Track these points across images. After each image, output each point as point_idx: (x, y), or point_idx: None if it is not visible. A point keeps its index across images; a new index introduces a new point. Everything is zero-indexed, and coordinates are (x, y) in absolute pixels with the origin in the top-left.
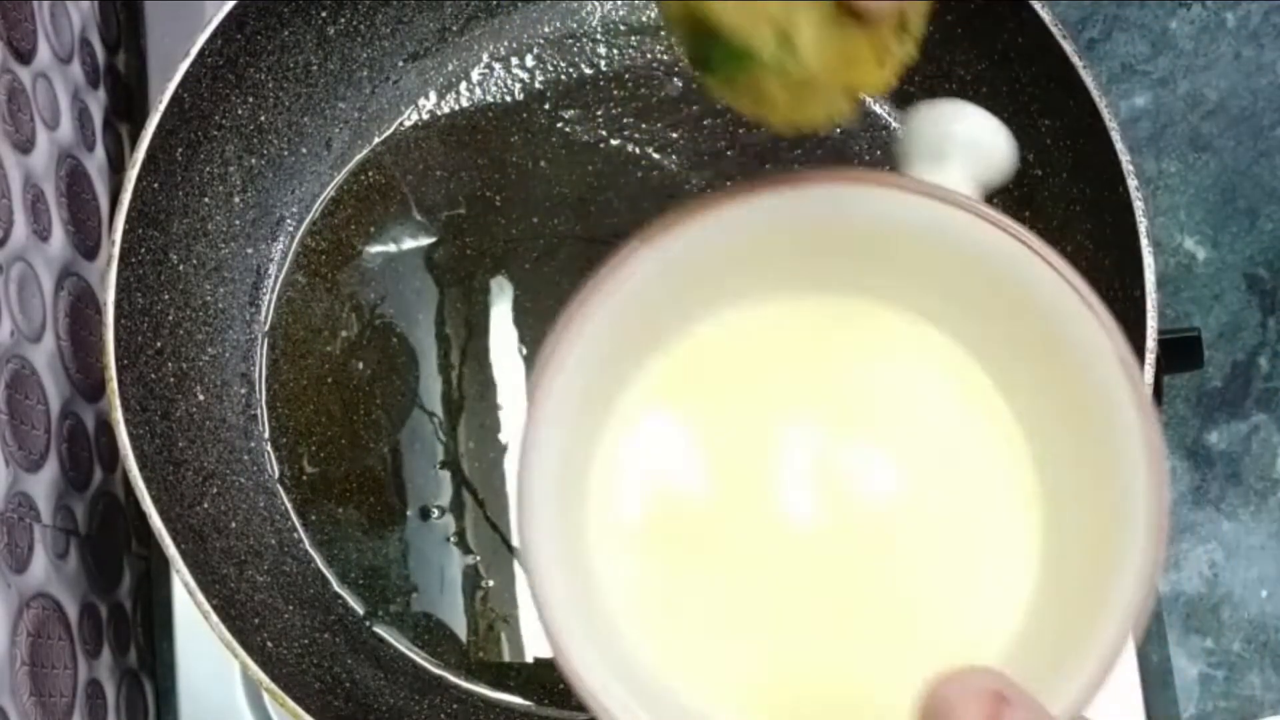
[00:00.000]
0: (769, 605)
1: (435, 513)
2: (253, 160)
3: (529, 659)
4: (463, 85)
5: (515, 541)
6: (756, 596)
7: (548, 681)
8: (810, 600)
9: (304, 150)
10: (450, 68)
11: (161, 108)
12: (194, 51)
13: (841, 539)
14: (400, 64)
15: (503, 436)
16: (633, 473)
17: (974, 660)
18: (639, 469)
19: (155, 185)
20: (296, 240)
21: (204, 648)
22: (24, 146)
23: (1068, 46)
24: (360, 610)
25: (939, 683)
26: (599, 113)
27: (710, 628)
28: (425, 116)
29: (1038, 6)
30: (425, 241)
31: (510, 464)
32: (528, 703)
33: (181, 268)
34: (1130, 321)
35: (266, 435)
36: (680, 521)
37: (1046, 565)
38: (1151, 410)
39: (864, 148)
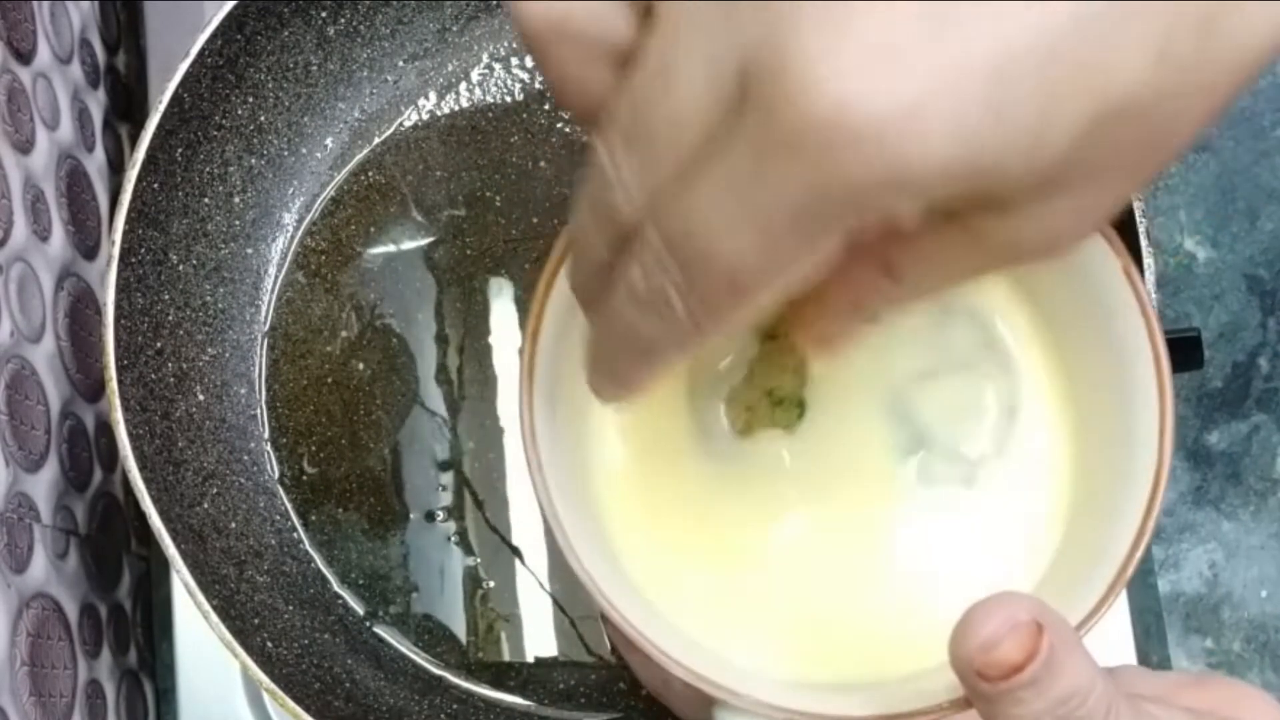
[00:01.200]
0: (771, 540)
1: (436, 513)
2: (253, 160)
3: (529, 659)
4: (463, 85)
5: (515, 540)
6: (756, 530)
7: (548, 681)
8: (818, 538)
9: (304, 150)
10: (450, 68)
11: (161, 108)
12: (194, 51)
13: (861, 487)
14: (400, 64)
15: (503, 436)
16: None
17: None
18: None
19: (155, 185)
20: (296, 240)
21: (204, 648)
22: (24, 147)
23: None
24: (360, 610)
25: (977, 614)
26: None
27: (712, 563)
28: (425, 116)
29: None
30: (425, 241)
31: (510, 464)
32: (528, 703)
33: (181, 268)
34: None
35: (266, 435)
36: (678, 457)
37: (1075, 492)
38: (1154, 319)
39: None
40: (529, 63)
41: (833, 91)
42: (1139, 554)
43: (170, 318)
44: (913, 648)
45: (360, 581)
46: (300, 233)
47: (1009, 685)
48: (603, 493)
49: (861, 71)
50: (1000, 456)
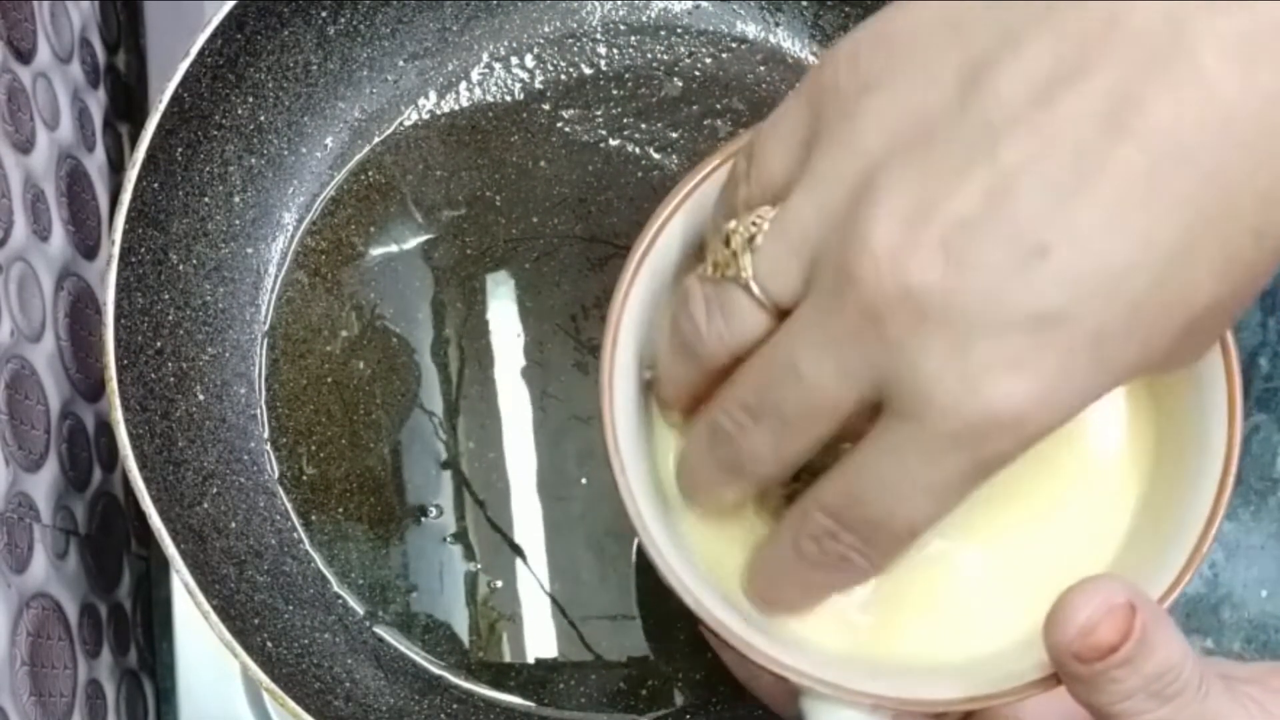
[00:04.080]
0: None
1: (435, 513)
2: (253, 160)
3: (529, 659)
4: (462, 85)
5: (516, 540)
6: None
7: (548, 681)
8: None
9: (304, 150)
10: (450, 67)
11: (161, 108)
12: (194, 51)
13: None
14: (400, 64)
15: (503, 436)
16: None
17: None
18: None
19: (155, 185)
20: (296, 240)
21: (204, 648)
22: (24, 146)
23: None
24: (360, 610)
25: (1073, 599)
26: (599, 113)
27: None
28: (425, 116)
29: None
30: (425, 241)
31: (510, 464)
32: (528, 703)
33: (181, 268)
34: None
35: (266, 435)
36: None
37: (1150, 481)
38: None
39: None
40: (529, 62)
41: (981, 403)
42: (1214, 529)
43: (170, 317)
44: (992, 623)
45: (360, 581)
46: (300, 232)
47: (1105, 665)
48: (676, 485)
49: (995, 381)
50: (1071, 442)
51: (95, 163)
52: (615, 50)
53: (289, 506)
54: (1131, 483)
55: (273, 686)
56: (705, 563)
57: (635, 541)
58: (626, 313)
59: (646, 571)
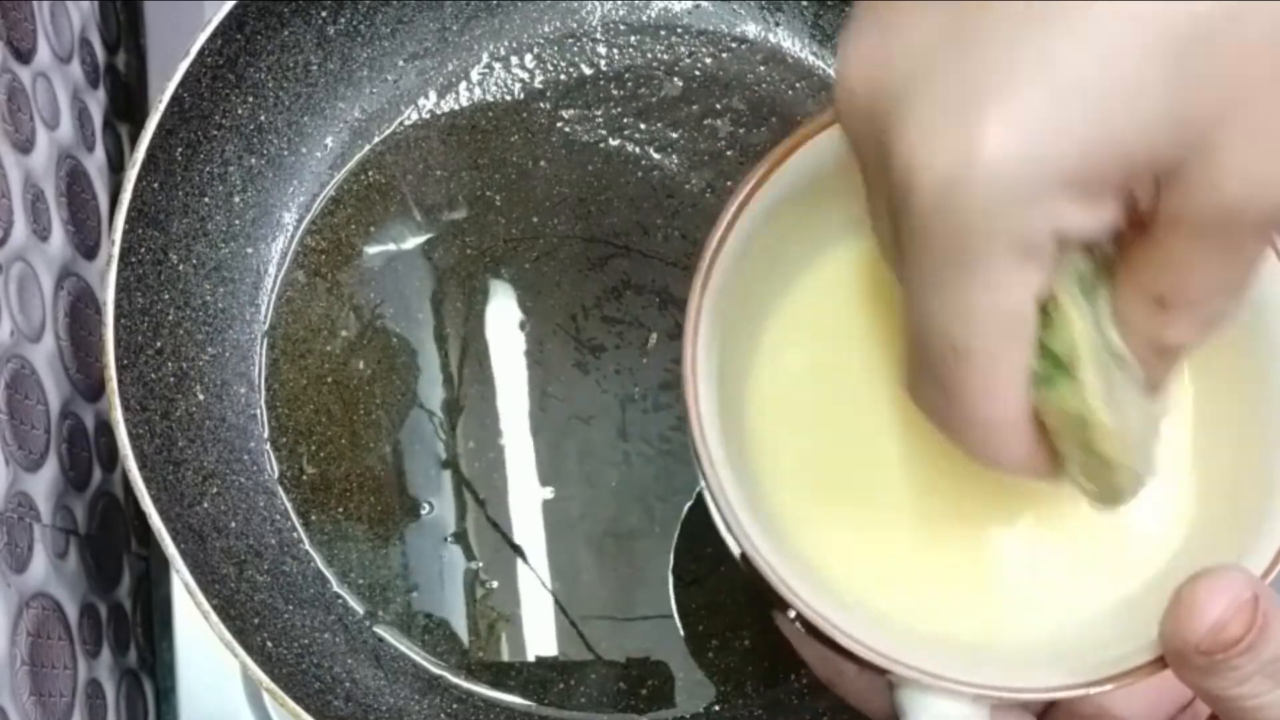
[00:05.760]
0: (934, 499)
1: (435, 512)
2: (253, 160)
3: (530, 658)
4: (462, 85)
5: (516, 540)
6: (901, 495)
7: (548, 681)
8: (960, 501)
9: (304, 150)
10: (450, 67)
11: (161, 108)
12: (194, 51)
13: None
14: (400, 64)
15: (503, 436)
16: (786, 391)
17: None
18: (791, 386)
19: (155, 185)
20: (296, 240)
21: (204, 648)
22: (24, 146)
23: None
24: (360, 610)
25: (1200, 596)
26: (599, 113)
27: (863, 524)
28: (425, 116)
29: None
30: (425, 241)
31: (511, 464)
32: (528, 702)
33: (181, 268)
34: None
35: (266, 435)
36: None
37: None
38: None
39: None
40: (529, 62)
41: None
42: None
43: (170, 317)
44: (1077, 597)
45: (360, 581)
46: (300, 232)
47: (1226, 656)
48: (760, 459)
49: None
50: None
51: (95, 163)
52: (615, 50)
53: (289, 506)
54: (1203, 449)
55: (273, 686)
56: (800, 540)
57: (678, 525)
58: (716, 270)
59: (677, 570)
